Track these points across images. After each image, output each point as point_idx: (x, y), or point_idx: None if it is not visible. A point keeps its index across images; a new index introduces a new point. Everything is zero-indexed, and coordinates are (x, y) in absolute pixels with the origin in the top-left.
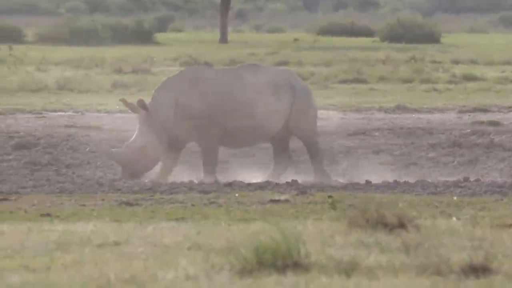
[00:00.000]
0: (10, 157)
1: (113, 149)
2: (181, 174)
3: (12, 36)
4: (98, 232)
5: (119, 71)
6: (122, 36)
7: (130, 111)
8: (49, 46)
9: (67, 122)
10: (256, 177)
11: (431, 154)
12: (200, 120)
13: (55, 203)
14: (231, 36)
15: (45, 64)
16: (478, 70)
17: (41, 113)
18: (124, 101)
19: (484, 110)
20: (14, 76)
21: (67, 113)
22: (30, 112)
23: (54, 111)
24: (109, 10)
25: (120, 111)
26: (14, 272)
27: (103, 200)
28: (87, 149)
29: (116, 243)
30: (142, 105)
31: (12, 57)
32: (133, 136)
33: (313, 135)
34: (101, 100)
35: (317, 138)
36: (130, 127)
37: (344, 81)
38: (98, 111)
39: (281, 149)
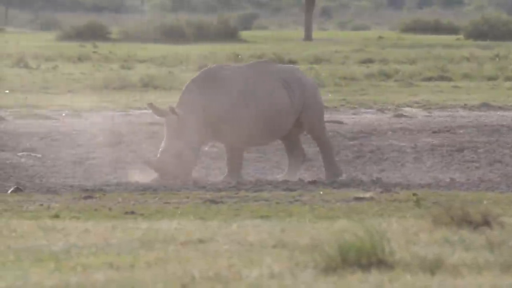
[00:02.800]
0: (95, 154)
1: (148, 158)
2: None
3: (97, 34)
4: (182, 230)
5: (203, 68)
6: (206, 34)
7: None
8: (133, 44)
9: (151, 120)
10: (272, 175)
11: None
12: (226, 120)
13: (139, 201)
14: (315, 33)
15: (130, 62)
16: None
17: (125, 111)
18: (151, 106)
19: None
20: (98, 73)
21: (150, 111)
22: (114, 109)
23: (139, 108)
24: (194, 7)
25: None
26: (98, 269)
27: (187, 198)
28: None
29: (201, 241)
30: (172, 111)
31: (97, 55)
32: (164, 142)
33: (323, 130)
34: None
35: (326, 133)
36: None
37: (428, 79)
38: None
39: (294, 146)
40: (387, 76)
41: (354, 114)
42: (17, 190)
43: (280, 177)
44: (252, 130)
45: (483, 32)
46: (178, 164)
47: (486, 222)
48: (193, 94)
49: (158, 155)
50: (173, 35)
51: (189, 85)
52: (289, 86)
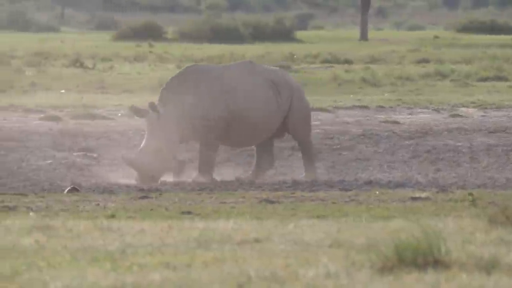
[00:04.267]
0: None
1: (125, 155)
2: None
3: (153, 34)
4: (239, 229)
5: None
6: (262, 34)
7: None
8: (189, 44)
9: None
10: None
11: None
12: (205, 119)
13: (196, 201)
14: (371, 33)
15: (185, 62)
16: None
17: None
18: (132, 108)
19: None
20: (154, 73)
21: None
22: None
23: None
24: (249, 7)
25: None
26: (155, 269)
27: (243, 197)
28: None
29: (257, 241)
30: (153, 108)
31: (152, 54)
32: (144, 140)
33: (307, 133)
34: None
35: (311, 137)
36: None
37: (484, 79)
38: None
39: (265, 149)
40: (442, 76)
41: (409, 114)
42: (74, 190)
43: (246, 177)
44: (235, 130)
45: None
46: (156, 163)
47: None
48: (174, 92)
49: (137, 153)
50: (229, 35)
51: (169, 82)
52: (275, 88)
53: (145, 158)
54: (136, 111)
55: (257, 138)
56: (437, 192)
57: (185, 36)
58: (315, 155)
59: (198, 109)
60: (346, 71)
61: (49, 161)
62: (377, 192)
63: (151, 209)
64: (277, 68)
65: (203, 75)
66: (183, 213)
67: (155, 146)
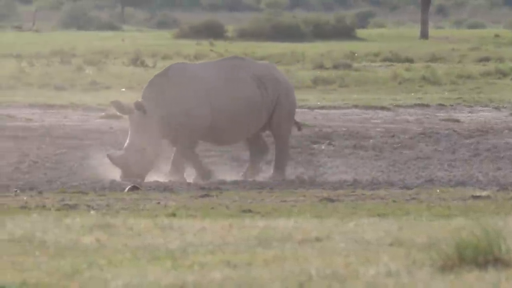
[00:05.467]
0: (212, 152)
1: (110, 153)
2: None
3: (214, 32)
4: (299, 228)
5: (320, 66)
6: (323, 32)
7: (120, 113)
8: (250, 42)
9: None
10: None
11: None
12: (189, 117)
13: (256, 199)
14: (431, 31)
15: None
16: None
17: None
18: (115, 103)
19: None
20: None
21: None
22: None
23: None
24: (310, 5)
25: (321, 107)
26: (216, 267)
27: (304, 196)
28: None
29: (317, 239)
30: (139, 107)
31: (213, 53)
32: (128, 138)
33: (287, 131)
34: (303, 96)
35: (289, 136)
36: (333, 123)
37: None
38: (300, 107)
39: (257, 140)
40: (503, 74)
41: (470, 112)
42: (134, 188)
43: (241, 174)
44: (221, 127)
45: None
46: (141, 161)
47: None
48: (157, 90)
49: (122, 152)
50: (289, 33)
51: (153, 80)
52: (261, 83)
53: (130, 157)
54: (119, 108)
55: (243, 134)
56: (498, 191)
57: (246, 35)
58: (289, 155)
59: (182, 107)
60: (407, 69)
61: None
62: (438, 191)
63: (212, 208)
64: (266, 63)
65: (187, 73)
66: (243, 211)
67: (139, 145)
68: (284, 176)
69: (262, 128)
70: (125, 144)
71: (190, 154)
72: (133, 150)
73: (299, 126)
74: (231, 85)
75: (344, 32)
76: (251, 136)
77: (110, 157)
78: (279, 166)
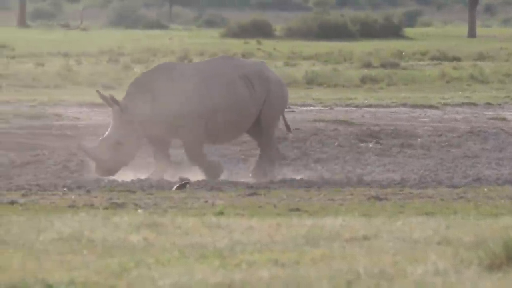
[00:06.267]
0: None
1: (84, 144)
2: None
3: (262, 31)
4: (347, 226)
5: (368, 65)
6: (371, 31)
7: (107, 105)
8: (297, 41)
9: (316, 117)
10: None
11: None
12: (178, 118)
13: (304, 198)
14: (479, 30)
15: (294, 59)
16: None
17: (289, 107)
18: (99, 93)
19: None
20: None
21: (316, 108)
22: None
23: (303, 105)
24: (358, 4)
25: (369, 106)
26: (264, 266)
27: (351, 194)
28: (335, 144)
29: (365, 238)
30: (113, 100)
31: (261, 51)
32: (108, 131)
33: (273, 128)
34: (350, 95)
35: (274, 133)
36: (380, 122)
37: None
38: (347, 105)
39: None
40: None
41: None
42: (182, 187)
43: (251, 175)
44: (209, 127)
45: None
46: (114, 156)
47: None
48: (144, 88)
49: (97, 143)
50: (337, 31)
51: (140, 78)
52: (249, 81)
53: (103, 150)
54: (104, 99)
55: (234, 133)
56: None
57: (293, 33)
58: (273, 154)
59: (169, 107)
60: (454, 68)
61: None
62: (485, 189)
63: (260, 206)
64: (256, 61)
65: (174, 72)
66: (291, 210)
67: (115, 139)
68: (263, 175)
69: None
70: (102, 137)
71: (197, 154)
72: (108, 143)
73: (289, 129)
74: (217, 85)
75: (392, 31)
76: (257, 137)
77: (82, 148)
78: (262, 164)
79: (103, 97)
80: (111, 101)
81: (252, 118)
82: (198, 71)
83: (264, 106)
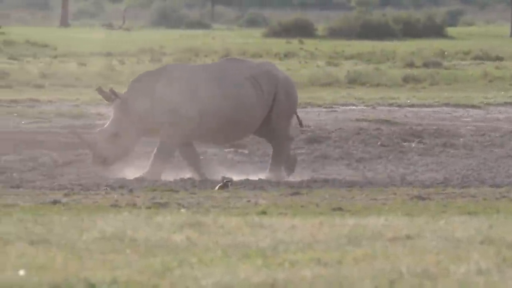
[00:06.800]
0: (302, 150)
1: (79, 131)
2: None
3: (304, 30)
4: (390, 226)
5: (411, 65)
6: (413, 30)
7: (105, 100)
8: (339, 40)
9: (358, 116)
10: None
11: None
12: (171, 117)
13: (346, 197)
14: None
15: (336, 58)
16: None
17: (332, 107)
18: (99, 89)
19: None
20: (304, 70)
21: (358, 107)
22: (320, 106)
23: (345, 104)
24: (400, 3)
25: (412, 105)
26: (306, 265)
27: (394, 194)
28: (378, 143)
29: (408, 237)
30: (113, 93)
31: (303, 51)
32: (107, 123)
33: (287, 128)
34: (393, 94)
35: (289, 134)
36: (423, 121)
37: None
38: (390, 105)
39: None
40: None
41: None
42: (224, 186)
43: (263, 176)
44: (216, 128)
45: None
46: (111, 147)
47: None
48: (145, 83)
49: (95, 133)
50: (379, 31)
51: (143, 75)
52: (256, 83)
53: (100, 139)
54: (102, 94)
55: (240, 134)
56: None
57: (336, 33)
58: (287, 156)
59: (167, 106)
60: (497, 67)
61: (200, 158)
62: None
63: (302, 206)
64: (264, 62)
65: (177, 73)
66: (333, 209)
67: (113, 131)
68: (280, 177)
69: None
70: (101, 127)
71: (165, 154)
72: (107, 134)
73: (300, 122)
74: (222, 87)
75: (434, 30)
76: (268, 139)
77: (78, 136)
78: (275, 166)
79: (101, 92)
80: (112, 94)
81: (259, 119)
82: (202, 73)
83: (273, 106)
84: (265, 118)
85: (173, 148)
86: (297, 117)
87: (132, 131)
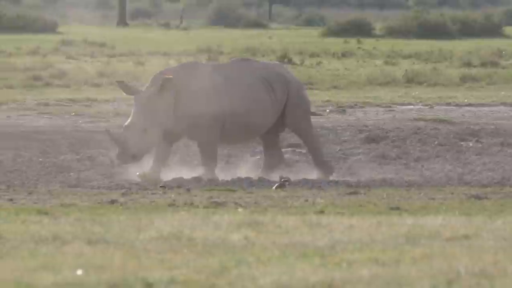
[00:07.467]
0: (359, 150)
1: (110, 130)
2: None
3: (362, 30)
4: (447, 225)
5: (468, 64)
6: (470, 30)
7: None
8: (397, 40)
9: (416, 115)
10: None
11: None
12: (197, 117)
13: (404, 197)
14: None
15: (394, 58)
16: None
17: (389, 106)
18: (120, 83)
19: None
20: (362, 69)
21: (416, 107)
22: (378, 105)
23: (403, 104)
24: (457, 3)
25: (469, 104)
26: (364, 265)
27: (452, 193)
28: (436, 143)
29: (466, 237)
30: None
31: (360, 51)
32: (130, 118)
33: (309, 128)
34: (450, 94)
35: (313, 132)
36: (481, 121)
37: None
38: (447, 104)
39: (272, 144)
40: None
41: None
42: (282, 186)
43: (255, 175)
44: (227, 129)
45: None
46: (140, 142)
47: None
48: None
49: (122, 129)
50: (436, 30)
51: (163, 71)
52: (268, 84)
53: (129, 135)
54: (124, 88)
55: (250, 136)
56: None
57: (393, 32)
58: (322, 150)
59: (192, 107)
60: None
61: (257, 157)
62: None
63: (360, 205)
64: (274, 63)
65: (198, 72)
66: (391, 209)
67: (140, 126)
68: (330, 169)
69: (278, 129)
70: (126, 123)
71: (210, 149)
72: (134, 129)
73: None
74: (238, 87)
75: (492, 30)
76: (268, 140)
77: (109, 134)
78: (319, 163)
79: (122, 85)
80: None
81: (272, 120)
82: (219, 72)
83: (288, 108)
84: (280, 120)
85: (212, 143)
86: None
87: (156, 125)
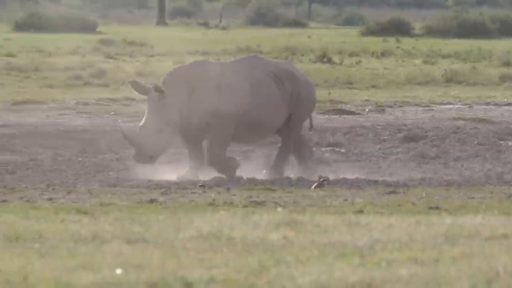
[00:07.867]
0: (398, 149)
1: (126, 131)
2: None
3: (401, 29)
4: (487, 225)
5: (507, 63)
6: (510, 29)
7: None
8: (436, 39)
9: (455, 115)
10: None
11: None
12: (212, 113)
13: (443, 196)
14: None
15: (433, 57)
16: None
17: (428, 106)
18: (133, 83)
19: None
20: (401, 68)
21: (455, 106)
22: (417, 104)
23: (442, 103)
24: (496, 3)
25: (509, 104)
26: (403, 264)
27: (491, 193)
28: (475, 142)
29: (505, 236)
30: (157, 89)
31: (400, 50)
32: (144, 118)
33: (299, 130)
34: (489, 93)
35: (300, 131)
36: None
37: None
38: (487, 103)
39: (299, 143)
40: None
41: None
42: (321, 185)
43: (293, 175)
44: (239, 127)
45: None
46: (155, 141)
47: None
48: (181, 78)
49: (138, 131)
50: (476, 30)
51: (176, 69)
52: (279, 80)
53: (146, 136)
54: (137, 88)
55: (266, 132)
56: None
57: (432, 32)
58: (289, 156)
59: (207, 106)
60: None
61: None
62: None
63: (399, 205)
64: (282, 61)
65: (211, 70)
66: (430, 208)
67: (156, 126)
68: (279, 174)
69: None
70: (141, 124)
71: (218, 154)
72: (150, 129)
73: (312, 125)
74: (250, 84)
75: None
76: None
77: (125, 135)
78: (278, 164)
79: (135, 85)
80: (154, 89)
81: (282, 119)
82: (232, 70)
83: (295, 107)
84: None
85: (224, 144)
86: (310, 119)
87: (172, 124)
